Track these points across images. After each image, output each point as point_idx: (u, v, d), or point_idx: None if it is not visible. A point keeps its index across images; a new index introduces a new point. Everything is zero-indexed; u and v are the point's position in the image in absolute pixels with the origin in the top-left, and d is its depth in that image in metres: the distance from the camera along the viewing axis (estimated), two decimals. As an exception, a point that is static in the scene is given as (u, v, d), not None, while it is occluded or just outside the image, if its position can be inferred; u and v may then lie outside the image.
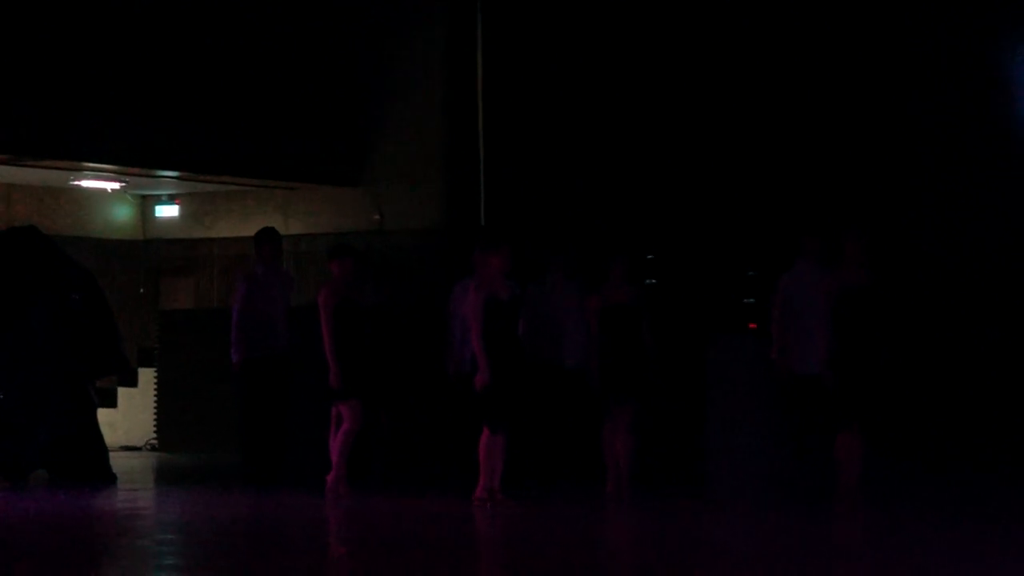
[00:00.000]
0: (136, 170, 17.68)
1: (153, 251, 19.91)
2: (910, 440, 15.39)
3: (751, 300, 16.60)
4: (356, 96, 18.14)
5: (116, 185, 18.64)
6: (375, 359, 14.23)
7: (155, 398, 19.19)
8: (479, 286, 12.90)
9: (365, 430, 14.03)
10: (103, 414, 16.03)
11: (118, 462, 15.77)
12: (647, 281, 16.56)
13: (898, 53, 16.40)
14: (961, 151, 16.03)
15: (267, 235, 15.07)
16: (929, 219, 16.20)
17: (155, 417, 19.20)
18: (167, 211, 19.77)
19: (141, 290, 19.92)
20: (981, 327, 15.73)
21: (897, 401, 14.51)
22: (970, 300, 15.90)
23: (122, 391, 19.23)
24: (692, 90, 16.96)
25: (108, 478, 14.91)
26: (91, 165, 17.61)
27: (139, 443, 19.10)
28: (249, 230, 16.73)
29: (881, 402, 12.99)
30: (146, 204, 19.94)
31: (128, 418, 19.20)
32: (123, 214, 19.87)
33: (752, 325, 16.14)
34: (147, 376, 19.29)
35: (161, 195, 19.73)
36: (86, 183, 18.54)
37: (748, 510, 13.26)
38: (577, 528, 12.05)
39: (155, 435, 19.17)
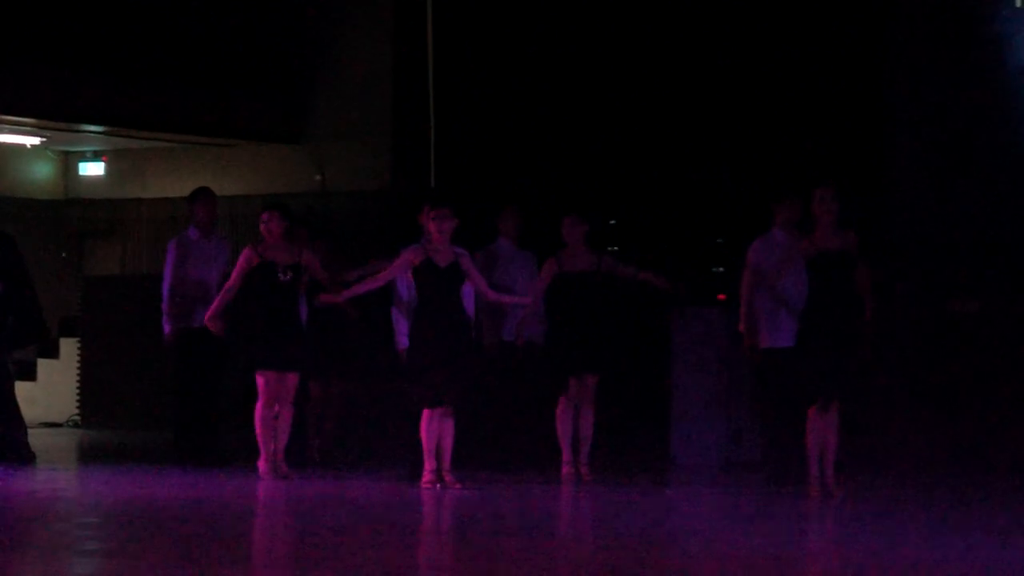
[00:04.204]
0: (58, 124, 17.51)
1: (76, 212, 19.74)
2: (885, 417, 15.03)
3: (720, 269, 16.30)
4: (298, 48, 17.98)
5: (36, 140, 18.50)
6: (313, 330, 13.75)
7: (78, 371, 19.02)
8: (415, 249, 12.57)
9: (300, 406, 13.64)
10: (21, 387, 15.66)
11: (37, 440, 15.38)
12: (609, 248, 16.19)
13: (871, 9, 16.03)
14: (942, 115, 15.65)
15: (202, 196, 14.76)
16: (905, 184, 15.81)
17: (78, 391, 19.04)
18: (92, 169, 19.63)
19: (63, 254, 19.73)
20: (958, 297, 15.37)
21: (871, 376, 14.03)
22: (946, 270, 15.55)
23: (42, 363, 19.10)
24: (655, 49, 16.66)
25: (26, 457, 14.43)
26: (8, 118, 17.33)
27: (61, 419, 18.96)
28: (181, 190, 16.38)
29: (855, 377, 12.36)
30: (69, 161, 19.78)
31: (48, 392, 19.04)
32: (44, 172, 19.76)
33: (721, 296, 15.78)
34: (69, 347, 19.11)
35: (86, 151, 19.55)
36: (3, 138, 18.30)
37: (713, 493, 12.97)
38: (529, 512, 11.66)
39: (78, 411, 19.03)
